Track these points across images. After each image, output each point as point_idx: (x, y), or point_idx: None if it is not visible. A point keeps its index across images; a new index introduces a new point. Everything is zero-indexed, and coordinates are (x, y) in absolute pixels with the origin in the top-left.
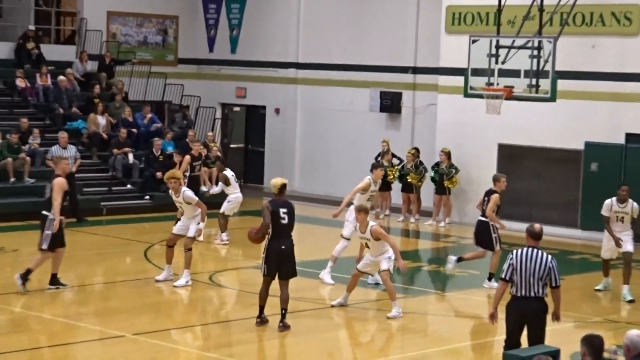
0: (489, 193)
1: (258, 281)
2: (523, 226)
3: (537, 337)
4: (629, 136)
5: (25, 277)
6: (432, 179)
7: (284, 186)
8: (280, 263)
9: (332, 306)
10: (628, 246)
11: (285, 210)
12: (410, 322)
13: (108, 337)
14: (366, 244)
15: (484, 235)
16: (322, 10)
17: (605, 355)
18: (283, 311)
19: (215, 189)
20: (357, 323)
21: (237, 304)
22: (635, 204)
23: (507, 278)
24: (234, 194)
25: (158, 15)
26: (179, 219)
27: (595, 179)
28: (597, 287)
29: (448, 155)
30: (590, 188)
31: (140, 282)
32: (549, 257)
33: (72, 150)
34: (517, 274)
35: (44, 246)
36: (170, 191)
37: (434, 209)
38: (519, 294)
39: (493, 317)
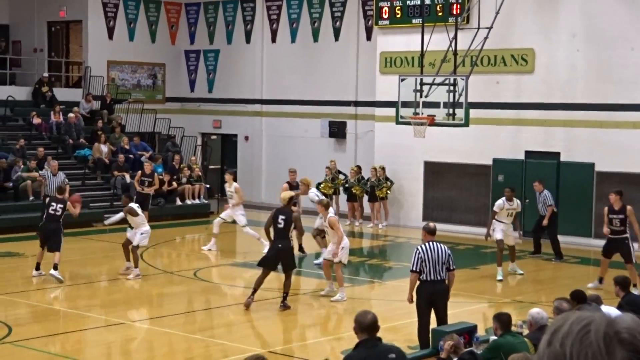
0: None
1: (234, 275)
2: (447, 227)
3: (443, 313)
4: (527, 153)
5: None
6: (365, 191)
7: (290, 199)
8: (278, 258)
9: (322, 296)
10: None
11: (283, 217)
12: (358, 305)
13: (111, 325)
14: (325, 230)
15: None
16: (281, 57)
17: (513, 329)
18: (284, 294)
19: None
20: (311, 308)
21: (216, 295)
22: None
23: (417, 269)
24: (145, 226)
25: (149, 63)
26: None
27: (502, 188)
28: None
29: (383, 169)
30: (498, 195)
31: (138, 278)
32: (445, 247)
33: (61, 176)
34: (426, 263)
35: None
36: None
37: (372, 215)
38: (428, 279)
39: (411, 300)
